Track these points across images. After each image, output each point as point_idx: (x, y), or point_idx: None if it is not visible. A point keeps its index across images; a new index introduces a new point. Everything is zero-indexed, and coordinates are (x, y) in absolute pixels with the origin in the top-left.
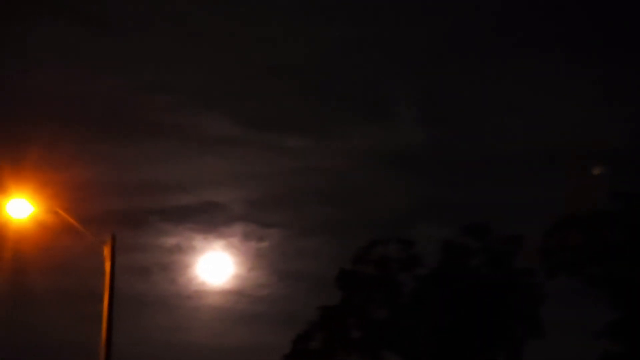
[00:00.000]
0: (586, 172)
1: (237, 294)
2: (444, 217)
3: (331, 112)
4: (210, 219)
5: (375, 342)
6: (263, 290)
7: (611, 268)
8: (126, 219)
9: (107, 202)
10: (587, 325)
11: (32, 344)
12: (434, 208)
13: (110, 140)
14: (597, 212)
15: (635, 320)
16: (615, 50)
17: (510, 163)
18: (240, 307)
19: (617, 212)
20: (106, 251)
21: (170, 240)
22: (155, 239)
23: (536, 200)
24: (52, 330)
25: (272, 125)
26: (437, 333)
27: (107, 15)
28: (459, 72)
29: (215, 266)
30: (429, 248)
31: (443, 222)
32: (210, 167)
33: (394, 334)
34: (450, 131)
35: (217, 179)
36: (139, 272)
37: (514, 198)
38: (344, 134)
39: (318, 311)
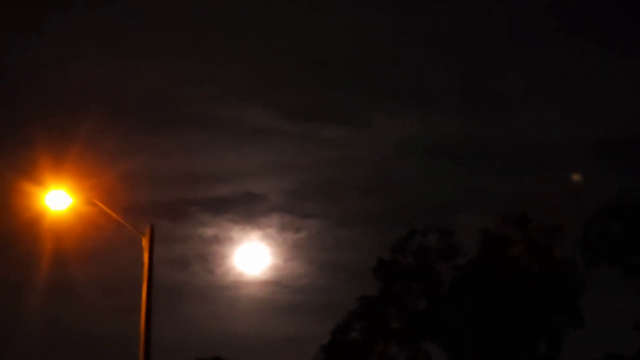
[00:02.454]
0: None
1: (274, 284)
2: (484, 207)
3: (370, 103)
4: (247, 209)
5: (415, 332)
6: (301, 281)
7: None
8: (165, 209)
9: (146, 193)
10: (627, 315)
11: (72, 335)
12: (473, 198)
13: (149, 132)
14: (638, 202)
15: None
16: None
17: (550, 153)
18: (278, 297)
19: None
20: (144, 242)
21: (209, 231)
22: (194, 230)
23: (576, 190)
24: (91, 321)
25: (310, 115)
26: (476, 323)
27: (147, 8)
28: (500, 62)
29: (253, 257)
30: (469, 238)
31: (483, 212)
32: (248, 157)
33: (433, 324)
34: (490, 121)
35: (255, 170)
36: (177, 262)
37: (554, 188)
38: (383, 124)
39: (357, 301)
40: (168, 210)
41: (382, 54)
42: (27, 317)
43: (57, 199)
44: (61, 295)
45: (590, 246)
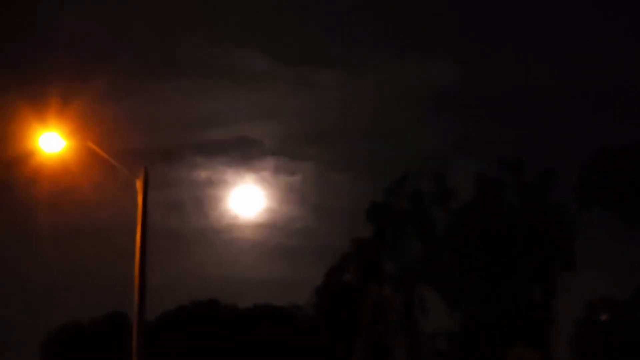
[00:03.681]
0: None
1: (269, 227)
2: (478, 151)
3: (365, 49)
4: (242, 153)
5: (409, 275)
6: (295, 224)
7: None
8: (159, 153)
9: (141, 137)
10: (621, 258)
11: (67, 277)
12: (468, 144)
13: (143, 76)
14: (633, 147)
15: None
16: None
17: (545, 99)
18: (273, 240)
19: None
20: (139, 185)
21: (203, 174)
22: (188, 174)
23: (571, 135)
24: (87, 265)
25: (305, 60)
26: (470, 267)
27: None
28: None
29: (247, 200)
30: (463, 182)
31: (477, 157)
32: (243, 102)
33: (427, 267)
34: (484, 68)
35: (250, 114)
36: (172, 206)
37: (549, 133)
38: (378, 70)
39: (351, 244)
40: (162, 154)
41: (378, 0)
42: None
43: (51, 141)
44: (56, 239)
45: (584, 190)
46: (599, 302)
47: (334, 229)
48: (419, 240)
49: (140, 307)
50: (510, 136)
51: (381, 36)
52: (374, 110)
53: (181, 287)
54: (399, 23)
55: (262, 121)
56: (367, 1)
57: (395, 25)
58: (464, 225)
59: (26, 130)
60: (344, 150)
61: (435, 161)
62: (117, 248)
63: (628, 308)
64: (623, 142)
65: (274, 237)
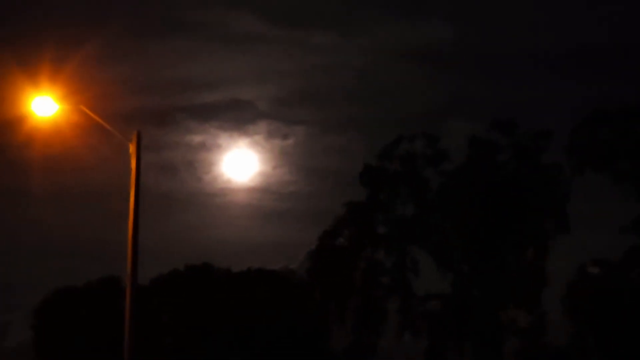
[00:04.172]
0: None
1: (262, 191)
2: (472, 113)
3: (358, 8)
4: (235, 116)
5: (402, 238)
6: (288, 187)
7: (639, 163)
8: (152, 116)
9: (133, 100)
10: (613, 220)
11: (60, 241)
12: (462, 104)
13: (136, 38)
14: (626, 108)
15: None
16: None
17: (539, 59)
18: (266, 204)
19: None
20: (132, 148)
21: (196, 138)
22: (181, 137)
23: (565, 96)
24: (80, 227)
25: (297, 21)
26: (463, 229)
27: None
28: None
29: (241, 164)
30: (457, 144)
31: (470, 118)
32: (236, 64)
33: (421, 229)
34: (479, 27)
35: (242, 76)
36: (165, 170)
37: (542, 94)
38: (371, 30)
39: (344, 207)
40: (155, 117)
41: None
42: (15, 224)
43: (43, 105)
44: (49, 202)
45: (577, 151)
46: (592, 264)
47: (327, 192)
48: (412, 203)
49: (133, 271)
50: (505, 96)
51: None
52: (368, 71)
53: (174, 250)
54: None
55: (255, 83)
56: None
57: None
58: (457, 187)
59: (19, 94)
60: (337, 112)
61: (428, 122)
62: (110, 211)
63: (620, 269)
64: (617, 102)
65: (267, 201)
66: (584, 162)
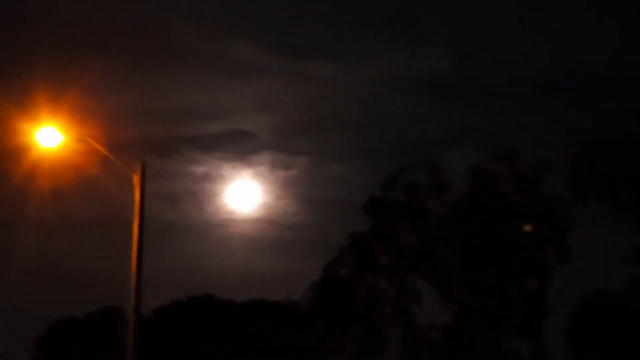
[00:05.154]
0: None
1: (265, 222)
2: (473, 143)
3: (358, 39)
4: (238, 147)
5: (404, 268)
6: (292, 218)
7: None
8: (155, 146)
9: (136, 130)
10: (615, 251)
11: (64, 271)
12: (463, 134)
13: (138, 67)
14: (627, 138)
15: None
16: None
17: (540, 89)
18: (269, 235)
19: None
20: (136, 180)
21: (199, 169)
22: (185, 167)
23: (566, 126)
24: (83, 258)
25: (299, 52)
26: (465, 259)
27: None
28: None
29: (244, 195)
30: (458, 174)
31: (472, 149)
32: (238, 94)
33: (423, 260)
34: (480, 57)
35: (245, 107)
36: (168, 200)
37: (543, 124)
38: (372, 60)
39: (347, 238)
40: (158, 147)
41: None
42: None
43: (48, 136)
44: (52, 233)
45: (579, 182)
46: (593, 295)
47: (330, 223)
48: (414, 233)
49: (136, 301)
50: (506, 126)
51: (376, 25)
52: (369, 101)
53: (176, 280)
54: (392, 12)
55: (258, 114)
56: None
57: (389, 14)
58: (459, 218)
59: (22, 124)
60: (340, 141)
61: (430, 151)
62: (112, 241)
63: (622, 299)
64: (618, 131)
65: (270, 232)
66: (585, 193)
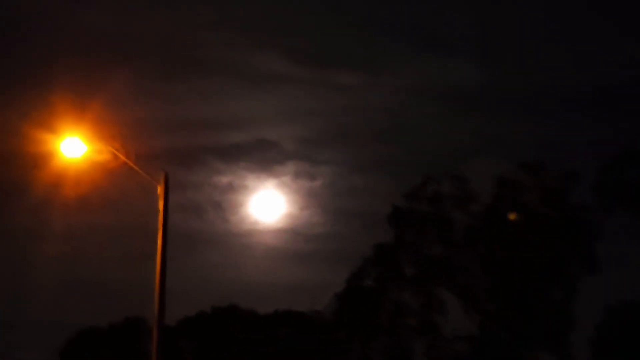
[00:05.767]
0: None
1: (289, 232)
2: (499, 153)
3: (384, 49)
4: (262, 157)
5: (429, 279)
6: (316, 229)
7: None
8: (179, 156)
9: (160, 140)
10: None
11: (88, 281)
12: (488, 144)
13: (163, 78)
14: None
15: None
16: None
17: (566, 99)
18: (293, 245)
19: None
20: (159, 190)
21: (224, 179)
22: (209, 178)
23: (592, 136)
24: (107, 268)
25: (323, 62)
26: (491, 270)
27: None
28: (515, 7)
29: (268, 205)
30: (484, 185)
31: (497, 159)
32: (262, 104)
33: (448, 270)
34: (505, 67)
35: (269, 117)
36: (192, 210)
37: (569, 134)
38: (397, 70)
39: (372, 249)
40: (182, 157)
41: None
42: (43, 264)
43: (72, 146)
44: (76, 243)
45: (605, 192)
46: (619, 305)
47: (355, 233)
48: (439, 244)
49: (160, 312)
50: (532, 136)
51: (401, 35)
52: (394, 111)
53: (200, 291)
54: (418, 21)
55: (282, 124)
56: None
57: (415, 24)
58: (484, 228)
59: (46, 133)
60: (365, 151)
61: (455, 161)
62: (136, 252)
63: None
64: None
65: (294, 242)
66: (611, 203)
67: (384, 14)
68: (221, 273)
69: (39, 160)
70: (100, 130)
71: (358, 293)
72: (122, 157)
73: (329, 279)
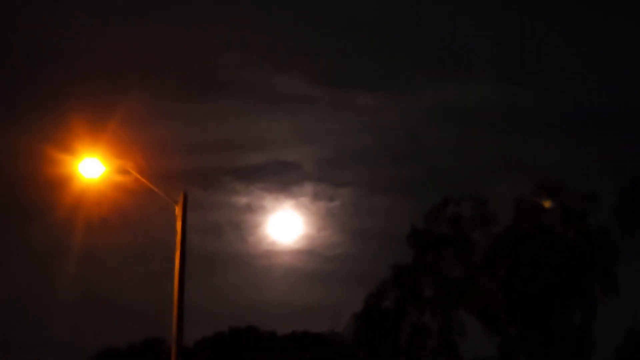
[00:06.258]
0: None
1: (307, 253)
2: (519, 174)
3: (403, 69)
4: (280, 178)
5: (448, 301)
6: (334, 250)
7: None
8: (198, 177)
9: (179, 161)
10: None
11: (106, 301)
12: (508, 165)
13: (182, 99)
14: None
15: None
16: None
17: (585, 120)
18: (311, 266)
19: None
20: (178, 210)
21: (242, 200)
22: (227, 198)
23: (612, 157)
24: (125, 288)
25: (343, 82)
26: (510, 292)
27: None
28: (536, 28)
29: (286, 226)
30: (503, 206)
31: (517, 180)
32: (281, 125)
33: (467, 292)
34: (526, 88)
35: (288, 138)
36: (210, 230)
37: (589, 156)
38: (416, 91)
39: (390, 270)
40: (201, 178)
41: (417, 19)
42: (61, 284)
43: (91, 167)
44: (95, 263)
45: (625, 213)
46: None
47: (373, 254)
48: (458, 265)
49: (178, 332)
50: (551, 157)
51: (420, 56)
52: (413, 131)
53: (218, 311)
54: (438, 42)
55: (301, 144)
56: (405, 21)
57: (434, 45)
58: (504, 250)
59: (64, 155)
60: (384, 172)
61: (475, 183)
62: (154, 272)
63: None
64: None
65: (312, 263)
66: (632, 224)
67: (404, 35)
68: (239, 294)
69: (59, 181)
70: (118, 150)
71: (377, 314)
72: (141, 178)
73: (347, 300)
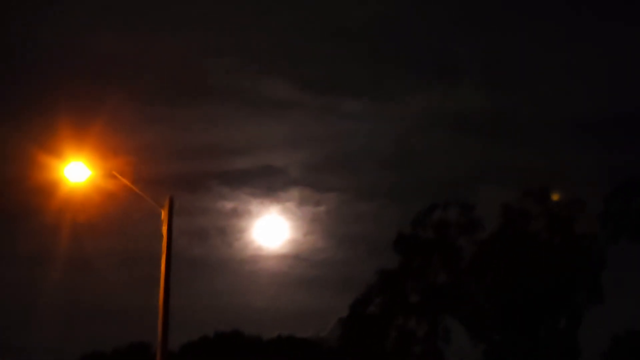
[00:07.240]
0: None
1: (293, 258)
2: (505, 180)
3: (389, 75)
4: (267, 183)
5: (434, 307)
6: (320, 255)
7: None
8: (184, 182)
9: (165, 165)
10: None
11: (92, 305)
12: (494, 171)
13: (169, 103)
14: None
15: None
16: None
17: (572, 127)
18: (297, 271)
19: None
20: (164, 215)
21: (228, 205)
22: (213, 203)
23: (598, 164)
24: (110, 293)
25: (329, 88)
26: (496, 298)
27: None
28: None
29: (272, 231)
30: (490, 212)
31: (504, 186)
32: (268, 130)
33: (453, 298)
34: (513, 95)
35: (275, 143)
36: (196, 235)
37: (575, 162)
38: (403, 97)
39: (376, 275)
40: (187, 183)
41: (404, 26)
42: (46, 289)
43: (76, 171)
44: (80, 267)
45: (611, 220)
46: (625, 335)
47: (359, 259)
48: (444, 271)
49: (164, 337)
50: (537, 164)
51: (407, 62)
52: (400, 137)
53: (203, 316)
54: (425, 49)
55: (287, 150)
56: (393, 28)
57: (422, 51)
58: (490, 256)
59: (50, 159)
60: (370, 178)
61: (461, 188)
62: (140, 277)
63: None
64: None
65: (298, 268)
66: (617, 231)
67: (391, 41)
68: (224, 298)
69: (45, 185)
70: (104, 155)
71: (362, 319)
72: (126, 182)
73: (333, 305)
